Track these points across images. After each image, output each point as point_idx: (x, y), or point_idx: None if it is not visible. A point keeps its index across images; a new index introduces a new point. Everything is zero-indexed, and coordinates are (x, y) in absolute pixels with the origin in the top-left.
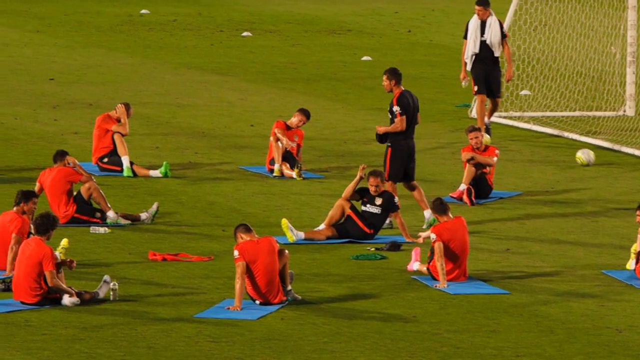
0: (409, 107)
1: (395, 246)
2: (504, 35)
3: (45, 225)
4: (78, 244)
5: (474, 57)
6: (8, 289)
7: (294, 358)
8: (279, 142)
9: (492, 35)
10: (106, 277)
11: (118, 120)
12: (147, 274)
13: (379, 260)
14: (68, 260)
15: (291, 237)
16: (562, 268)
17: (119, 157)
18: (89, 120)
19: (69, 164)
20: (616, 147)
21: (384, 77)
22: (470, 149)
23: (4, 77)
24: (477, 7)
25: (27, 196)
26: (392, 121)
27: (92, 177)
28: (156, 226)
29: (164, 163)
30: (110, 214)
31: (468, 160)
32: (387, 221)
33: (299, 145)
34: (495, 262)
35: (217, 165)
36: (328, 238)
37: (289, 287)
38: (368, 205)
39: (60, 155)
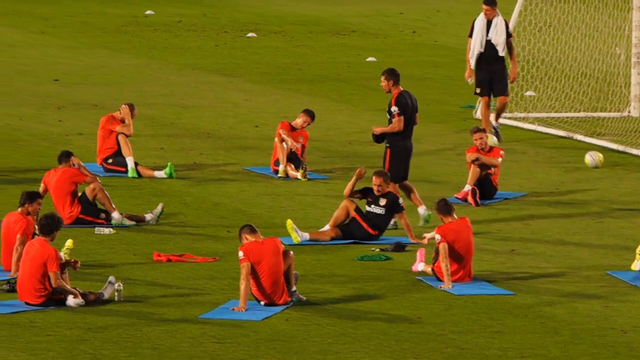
0: (407, 107)
1: (399, 247)
2: (509, 35)
3: (50, 226)
4: (83, 245)
5: (478, 55)
6: (13, 289)
7: (298, 359)
8: (284, 143)
9: (498, 34)
10: (111, 278)
11: (122, 121)
12: (151, 274)
13: (383, 261)
14: (72, 261)
15: (296, 238)
16: (567, 269)
17: (124, 158)
18: (93, 121)
19: (73, 165)
20: (621, 148)
21: (382, 78)
22: (475, 150)
23: (9, 78)
24: (484, 7)
25: (32, 197)
26: (390, 121)
27: (97, 178)
28: (161, 227)
29: (169, 164)
30: (115, 214)
31: (473, 161)
32: (392, 222)
33: (303, 146)
34: (500, 263)
35: (221, 166)
36: (332, 239)
37: (294, 288)
38: (372, 206)
39: (65, 157)
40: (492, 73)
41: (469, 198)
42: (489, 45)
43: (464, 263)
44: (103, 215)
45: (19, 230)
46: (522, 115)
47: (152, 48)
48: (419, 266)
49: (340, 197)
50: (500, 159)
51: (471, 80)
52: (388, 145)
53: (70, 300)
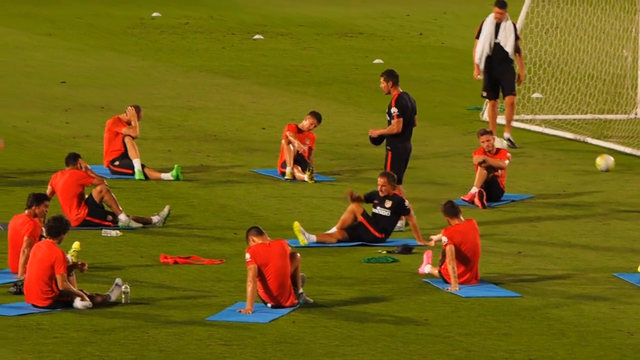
0: (407, 109)
1: (406, 249)
2: (517, 38)
3: (58, 228)
4: (90, 247)
5: (486, 58)
6: (20, 292)
7: None
8: (291, 145)
9: (506, 37)
10: (118, 280)
11: (128, 123)
12: (158, 277)
13: (390, 263)
14: (80, 263)
15: (303, 240)
16: (574, 271)
17: (130, 160)
18: (100, 123)
19: (81, 167)
20: (628, 150)
21: (381, 79)
22: (482, 152)
23: (16, 80)
24: (496, 9)
25: (39, 199)
26: (389, 123)
27: (104, 180)
28: (168, 229)
29: (175, 166)
30: (122, 217)
31: (480, 163)
32: (399, 224)
33: (310, 148)
34: (506, 265)
35: (228, 168)
36: (339, 241)
37: (301, 290)
38: (378, 208)
39: (72, 159)
40: (499, 75)
41: (476, 200)
42: (497, 48)
43: (470, 265)
44: (110, 217)
45: (25, 232)
46: (529, 117)
47: (159, 50)
48: (426, 268)
49: (347, 200)
50: (507, 161)
51: (480, 77)
52: (389, 148)
53: (79, 303)
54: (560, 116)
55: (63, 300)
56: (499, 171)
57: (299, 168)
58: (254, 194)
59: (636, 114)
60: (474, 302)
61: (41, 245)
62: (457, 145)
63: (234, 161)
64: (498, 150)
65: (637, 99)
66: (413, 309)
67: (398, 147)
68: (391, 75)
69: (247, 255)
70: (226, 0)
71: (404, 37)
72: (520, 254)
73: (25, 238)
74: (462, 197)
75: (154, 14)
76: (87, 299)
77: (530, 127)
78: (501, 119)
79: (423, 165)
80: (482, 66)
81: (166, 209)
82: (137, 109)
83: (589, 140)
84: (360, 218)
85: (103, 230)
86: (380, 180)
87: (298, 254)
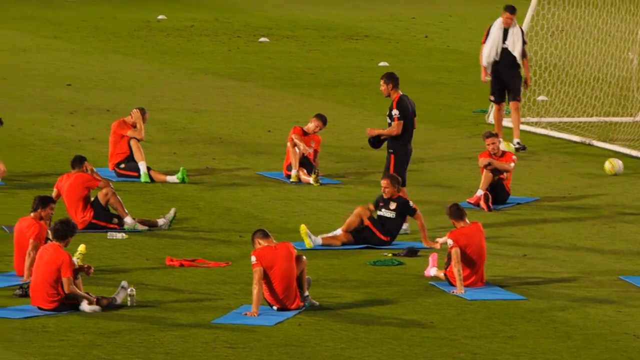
0: (407, 111)
1: (412, 252)
2: (524, 42)
3: (64, 231)
4: (95, 250)
5: (493, 63)
6: (25, 294)
7: None
8: (296, 148)
9: (514, 42)
10: (124, 283)
11: (134, 126)
12: (164, 279)
13: (396, 266)
14: (85, 266)
15: (309, 243)
16: (579, 274)
17: (136, 163)
18: (106, 126)
19: (86, 170)
20: (634, 152)
21: (381, 82)
22: (488, 155)
23: (21, 83)
24: (506, 14)
25: (45, 202)
26: (390, 125)
27: (110, 183)
28: (173, 232)
29: (181, 169)
30: (128, 219)
31: (485, 166)
32: (404, 227)
33: (316, 151)
34: (512, 267)
35: (234, 171)
36: (344, 244)
37: (307, 293)
38: (383, 210)
39: (78, 162)
40: (507, 80)
41: (482, 203)
42: (505, 53)
43: (476, 268)
44: (116, 220)
45: (31, 235)
46: (535, 120)
47: (164, 53)
48: (432, 271)
49: (353, 202)
50: (512, 164)
51: (488, 78)
52: (391, 150)
53: (86, 306)
54: (565, 119)
55: (69, 303)
56: (505, 174)
57: (305, 171)
58: (260, 197)
59: None
60: (479, 304)
61: (47, 248)
62: (463, 147)
63: (239, 164)
64: (503, 152)
65: None
66: (419, 311)
67: (400, 149)
68: (391, 78)
69: (253, 258)
70: (232, 2)
71: (410, 39)
72: (525, 257)
73: (31, 241)
74: (467, 200)
75: (160, 17)
76: (94, 302)
77: (535, 130)
78: (506, 122)
79: (428, 167)
80: (489, 69)
81: (172, 212)
82: (143, 112)
83: (595, 143)
84: (367, 222)
85: (109, 233)
86: (384, 182)
87: (304, 257)
